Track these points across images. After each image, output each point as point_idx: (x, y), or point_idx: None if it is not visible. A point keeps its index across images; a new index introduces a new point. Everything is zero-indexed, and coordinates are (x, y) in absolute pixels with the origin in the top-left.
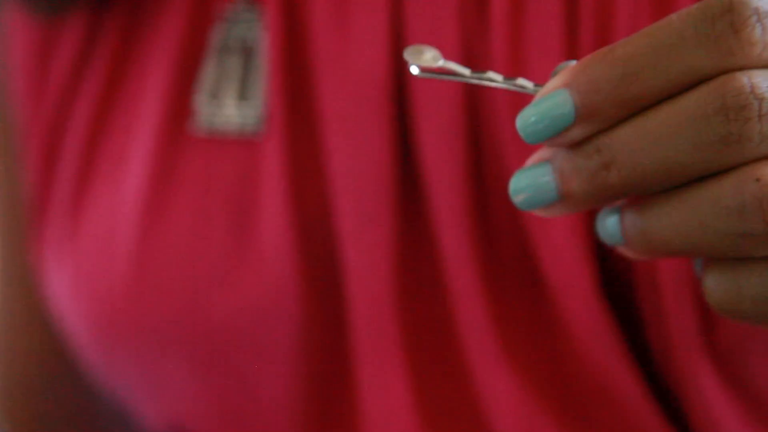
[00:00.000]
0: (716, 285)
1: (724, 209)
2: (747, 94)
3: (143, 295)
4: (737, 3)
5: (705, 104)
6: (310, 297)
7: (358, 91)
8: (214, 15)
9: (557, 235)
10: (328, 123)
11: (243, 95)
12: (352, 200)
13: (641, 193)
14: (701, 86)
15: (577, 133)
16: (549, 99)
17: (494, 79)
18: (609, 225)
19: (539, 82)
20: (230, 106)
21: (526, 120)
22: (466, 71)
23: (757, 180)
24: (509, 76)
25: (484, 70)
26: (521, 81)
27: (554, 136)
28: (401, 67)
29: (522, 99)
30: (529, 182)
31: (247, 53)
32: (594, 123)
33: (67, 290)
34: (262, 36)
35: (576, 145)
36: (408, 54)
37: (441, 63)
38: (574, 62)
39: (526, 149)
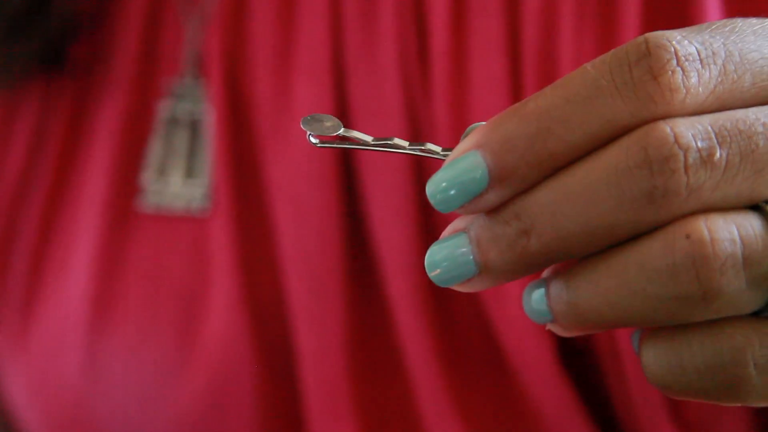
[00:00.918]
0: (655, 358)
1: (654, 272)
2: (671, 145)
3: (94, 401)
4: (654, 47)
5: (626, 158)
6: (264, 382)
7: (304, 164)
8: (159, 90)
9: (513, 304)
10: (275, 199)
11: (189, 172)
12: (302, 279)
13: (564, 259)
14: (621, 139)
15: (492, 197)
16: (460, 162)
17: (399, 145)
18: (534, 301)
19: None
20: (177, 184)
21: (436, 186)
22: (368, 138)
23: (688, 237)
24: (416, 141)
25: (387, 137)
26: (429, 146)
27: (468, 202)
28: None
29: None
30: (446, 255)
31: (194, 127)
32: (510, 186)
33: (21, 391)
34: (208, 110)
35: (493, 212)
36: (306, 124)
37: (342, 131)
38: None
39: None
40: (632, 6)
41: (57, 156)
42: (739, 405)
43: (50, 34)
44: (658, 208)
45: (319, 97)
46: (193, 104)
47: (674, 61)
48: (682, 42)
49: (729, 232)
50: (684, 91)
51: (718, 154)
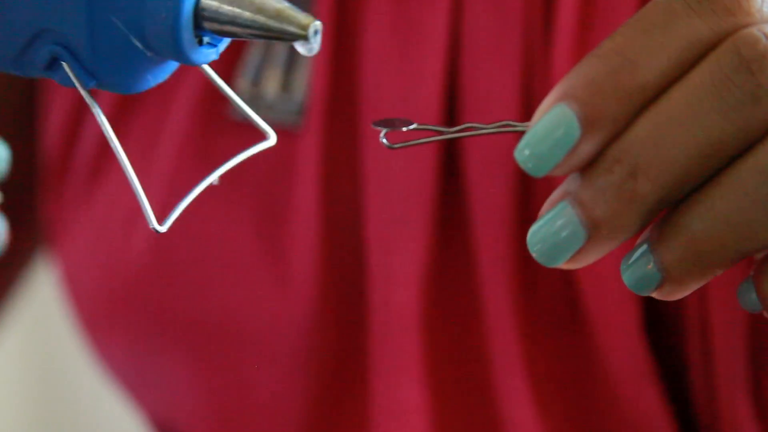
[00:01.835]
0: None
1: None
2: (765, 42)
3: (159, 278)
4: None
5: (720, 67)
6: (329, 303)
7: (408, 94)
8: None
9: (603, 266)
10: (368, 125)
11: (285, 86)
12: (385, 204)
13: (677, 195)
14: (709, 54)
15: (587, 147)
16: (546, 119)
17: (477, 127)
18: (637, 264)
19: None
20: (271, 96)
21: (526, 149)
22: (444, 129)
23: None
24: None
25: (461, 125)
26: (507, 122)
27: (562, 159)
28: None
29: None
30: (547, 229)
31: None
32: (604, 129)
33: (81, 257)
34: None
35: (590, 166)
36: (377, 125)
37: (414, 126)
38: None
39: None
40: None
41: None
42: None
43: None
44: (766, 107)
45: (434, 31)
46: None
47: None
48: None
49: None
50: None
51: None
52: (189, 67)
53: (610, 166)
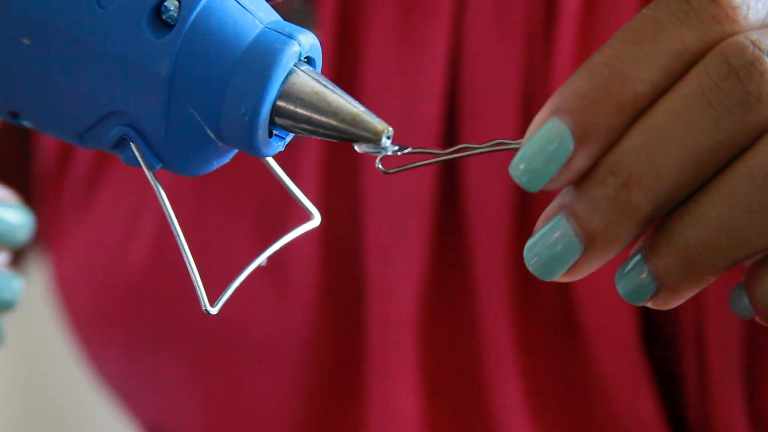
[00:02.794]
0: None
1: (767, 177)
2: (752, 50)
3: (157, 287)
4: None
5: (709, 75)
6: (328, 312)
7: (409, 104)
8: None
9: (599, 275)
10: None
11: None
12: (384, 215)
13: (670, 204)
14: (698, 63)
15: (580, 160)
16: (539, 133)
17: (471, 147)
18: (632, 275)
19: None
20: None
21: (518, 165)
22: (438, 152)
23: None
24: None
25: (454, 145)
26: (500, 140)
27: (556, 173)
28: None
29: None
30: (543, 243)
31: None
32: (596, 142)
33: (78, 266)
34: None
35: (584, 179)
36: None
37: (409, 150)
38: None
39: None
40: None
41: None
42: None
43: None
44: (755, 114)
45: (435, 35)
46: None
47: None
48: None
49: None
50: (745, 6)
51: None
52: None
53: (603, 178)
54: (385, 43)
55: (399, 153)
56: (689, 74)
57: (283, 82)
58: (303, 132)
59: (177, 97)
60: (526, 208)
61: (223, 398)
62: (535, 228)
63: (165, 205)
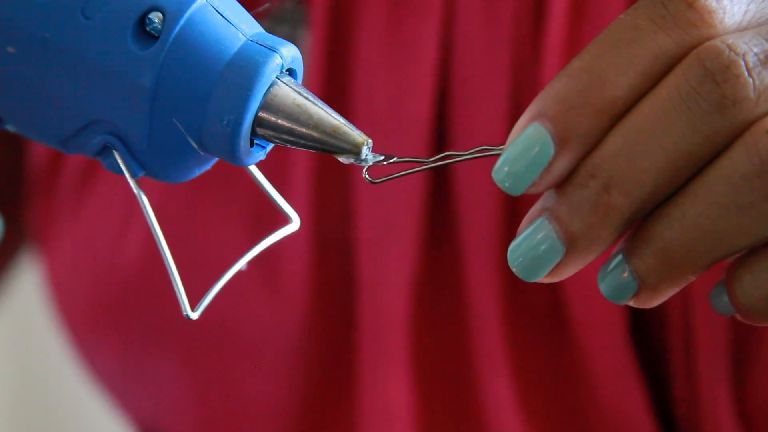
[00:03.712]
0: (753, 282)
1: (743, 178)
2: (727, 53)
3: (150, 285)
4: None
5: (686, 79)
6: (320, 308)
7: (399, 105)
8: (258, 12)
9: (588, 271)
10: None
11: None
12: (375, 211)
13: (650, 205)
14: (675, 68)
15: (561, 164)
16: (520, 138)
17: (456, 155)
18: (613, 274)
19: None
20: None
21: (503, 169)
22: (423, 159)
23: None
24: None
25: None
26: (484, 147)
27: (538, 177)
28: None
29: None
30: (526, 244)
31: None
32: (577, 145)
33: (71, 265)
34: (307, 35)
35: (565, 183)
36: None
37: (394, 159)
38: None
39: None
40: None
41: None
42: None
43: None
44: (731, 117)
45: (425, 37)
46: (291, 28)
47: None
48: None
49: None
50: (721, 11)
51: None
52: None
53: (584, 182)
54: (375, 44)
55: (385, 162)
56: (667, 78)
57: (265, 94)
58: (284, 143)
59: (160, 107)
60: (515, 206)
61: (216, 395)
62: (519, 230)
63: (147, 212)
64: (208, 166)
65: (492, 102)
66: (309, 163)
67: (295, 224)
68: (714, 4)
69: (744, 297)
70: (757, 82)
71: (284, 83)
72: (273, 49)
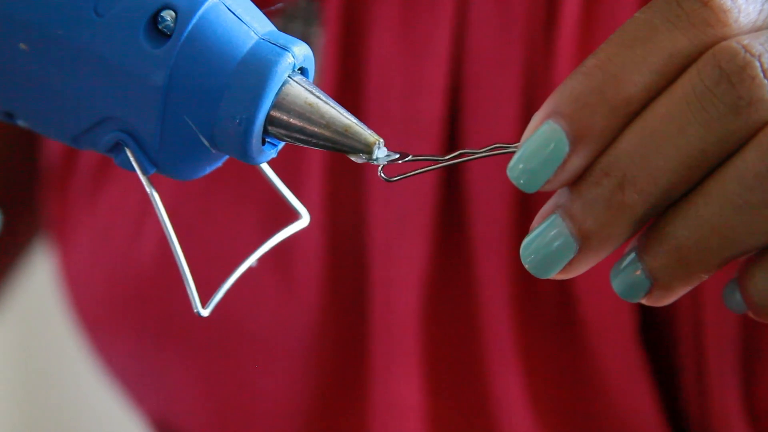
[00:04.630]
0: (767, 280)
1: (756, 178)
2: (743, 54)
3: (164, 280)
4: None
5: (702, 79)
6: (332, 306)
7: (411, 102)
8: (271, 8)
9: (598, 270)
10: (373, 126)
11: None
12: (387, 210)
13: (663, 203)
14: (690, 67)
15: (576, 162)
16: (535, 136)
17: (470, 152)
18: (626, 272)
19: None
20: None
21: (518, 167)
22: (439, 157)
23: None
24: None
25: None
26: (498, 144)
27: (553, 174)
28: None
29: None
30: (539, 241)
31: None
32: (591, 143)
33: (86, 259)
34: (320, 33)
35: (579, 180)
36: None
37: (410, 157)
38: None
39: None
40: None
41: None
42: None
43: None
44: (746, 118)
45: (438, 36)
46: (305, 25)
47: None
48: None
49: None
50: (736, 10)
51: None
52: None
53: (598, 179)
54: (388, 41)
55: (399, 161)
56: (682, 78)
57: (277, 93)
58: (296, 141)
59: (172, 105)
60: (527, 204)
61: (229, 392)
62: (532, 226)
63: (158, 209)
64: (218, 164)
65: (504, 100)
66: (322, 163)
67: (304, 220)
68: (729, 3)
69: (757, 295)
70: None
71: (296, 82)
72: (285, 48)
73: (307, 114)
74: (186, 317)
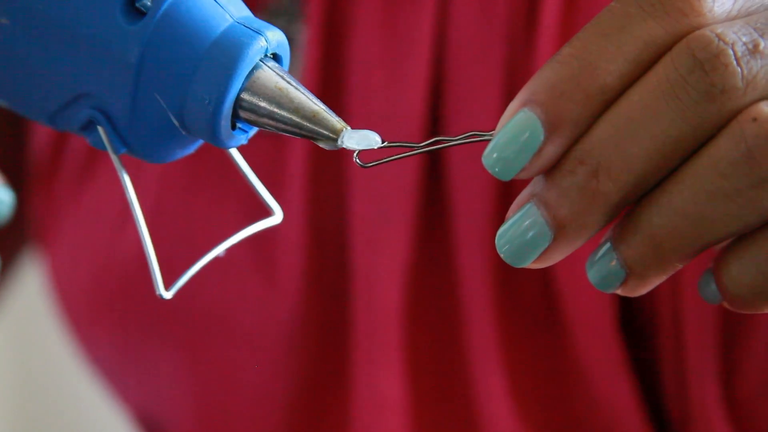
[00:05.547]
0: (741, 270)
1: (730, 165)
2: (716, 43)
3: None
4: None
5: (675, 67)
6: (314, 300)
7: (394, 97)
8: (255, 5)
9: (579, 264)
10: (355, 125)
11: None
12: (369, 204)
13: (637, 192)
14: (665, 56)
15: (551, 150)
16: (511, 124)
17: (446, 140)
18: (601, 262)
19: None
20: None
21: (493, 154)
22: (414, 144)
23: (755, 120)
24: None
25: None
26: (474, 132)
27: (528, 162)
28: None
29: None
30: (515, 230)
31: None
32: (566, 131)
33: (71, 254)
34: (303, 29)
35: (554, 169)
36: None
37: (385, 144)
38: None
39: None
40: None
41: None
42: None
43: None
44: (719, 106)
45: (420, 30)
46: (288, 22)
47: None
48: None
49: None
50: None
51: (763, 44)
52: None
53: (573, 167)
54: (371, 38)
55: (375, 147)
56: (656, 66)
57: (248, 77)
58: (265, 126)
59: (144, 83)
60: (508, 197)
61: (212, 384)
62: (507, 215)
63: (128, 191)
64: (190, 150)
65: (486, 95)
66: (304, 156)
67: (277, 217)
68: None
69: (731, 284)
70: (745, 72)
71: (268, 67)
72: (258, 32)
73: (276, 98)
74: (170, 312)
